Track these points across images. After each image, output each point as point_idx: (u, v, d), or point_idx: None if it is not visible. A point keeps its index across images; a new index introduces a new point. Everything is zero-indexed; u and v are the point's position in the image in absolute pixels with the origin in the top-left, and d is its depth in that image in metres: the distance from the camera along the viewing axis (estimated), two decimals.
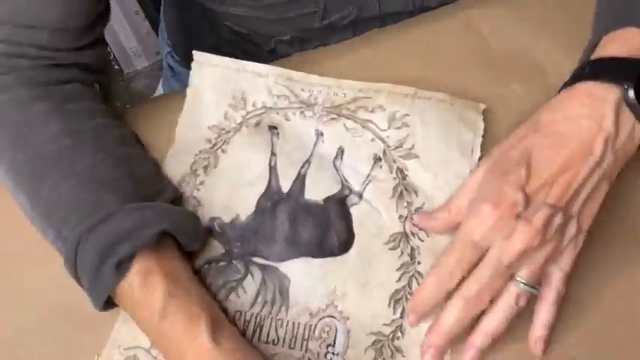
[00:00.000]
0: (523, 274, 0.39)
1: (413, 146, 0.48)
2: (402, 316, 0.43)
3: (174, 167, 0.48)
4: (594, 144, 0.40)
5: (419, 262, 0.45)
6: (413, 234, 0.45)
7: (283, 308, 0.44)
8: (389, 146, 0.48)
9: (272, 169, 0.48)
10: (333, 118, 0.49)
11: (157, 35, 0.90)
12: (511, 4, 0.55)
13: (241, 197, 0.47)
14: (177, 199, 0.46)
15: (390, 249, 0.45)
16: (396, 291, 0.44)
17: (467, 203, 0.42)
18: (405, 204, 0.46)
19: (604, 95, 0.40)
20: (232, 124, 0.50)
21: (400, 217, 0.46)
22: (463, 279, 0.40)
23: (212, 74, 0.51)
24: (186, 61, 0.75)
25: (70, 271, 0.41)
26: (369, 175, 0.48)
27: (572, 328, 0.43)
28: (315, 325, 0.43)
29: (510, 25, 0.51)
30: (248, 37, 0.53)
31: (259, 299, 0.44)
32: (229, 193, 0.47)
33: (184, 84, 0.76)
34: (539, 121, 0.42)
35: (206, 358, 0.38)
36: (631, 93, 0.40)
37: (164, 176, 0.47)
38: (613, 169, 0.41)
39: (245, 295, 0.44)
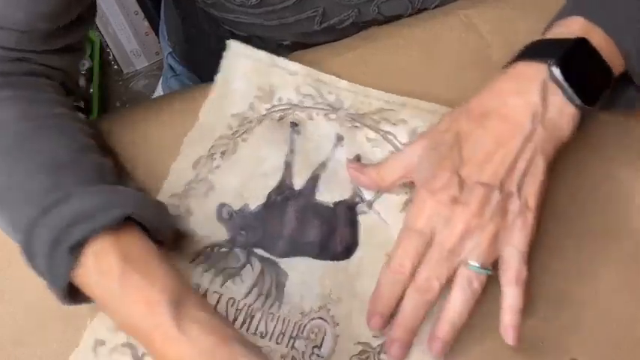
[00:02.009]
0: (472, 257, 0.39)
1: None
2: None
3: (193, 147, 0.48)
4: (521, 119, 0.40)
5: None
6: None
7: (277, 303, 0.44)
8: None
9: (288, 165, 0.48)
10: (355, 126, 0.50)
11: (157, 35, 0.90)
12: (511, 4, 0.55)
13: (253, 187, 0.47)
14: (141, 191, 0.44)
15: None
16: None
17: (398, 176, 0.44)
18: None
19: (532, 73, 0.41)
20: (256, 115, 0.50)
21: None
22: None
23: (244, 64, 0.52)
24: (187, 62, 0.75)
25: (26, 258, 0.38)
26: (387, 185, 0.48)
27: (572, 328, 0.43)
28: (305, 325, 0.43)
29: (510, 25, 0.51)
30: (249, 41, 0.53)
31: (254, 290, 0.44)
32: (242, 181, 0.47)
33: (184, 84, 0.77)
34: (469, 102, 0.43)
35: (169, 344, 0.36)
36: (556, 70, 0.40)
37: (127, 173, 0.46)
38: (547, 144, 0.41)
39: (241, 284, 0.44)
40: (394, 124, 0.50)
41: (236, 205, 0.47)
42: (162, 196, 0.47)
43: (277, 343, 0.43)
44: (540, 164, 0.41)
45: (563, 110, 0.41)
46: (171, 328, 0.35)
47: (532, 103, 0.40)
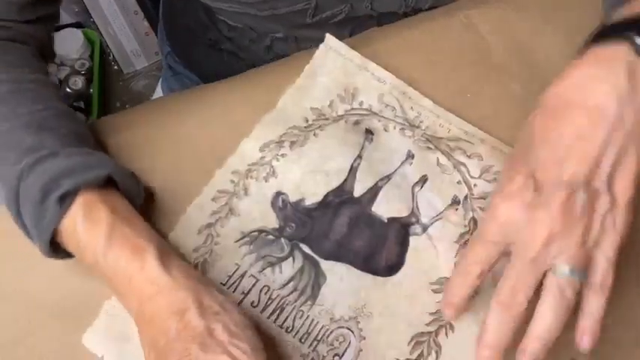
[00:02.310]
0: (561, 262, 0.35)
1: None
2: (417, 359, 0.42)
3: (264, 131, 0.49)
4: (606, 105, 0.35)
5: None
6: None
7: (309, 302, 0.44)
8: (473, 194, 0.47)
9: (352, 170, 0.48)
10: (429, 147, 0.49)
11: (157, 35, 0.89)
12: (511, 4, 0.54)
13: (314, 183, 0.47)
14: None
15: (434, 291, 0.44)
16: (421, 333, 0.43)
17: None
18: None
19: (613, 55, 0.36)
20: (333, 114, 0.50)
21: (456, 264, 0.45)
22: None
23: (334, 61, 0.52)
24: (186, 61, 0.75)
25: (11, 211, 0.40)
26: (442, 212, 0.46)
27: (572, 327, 0.41)
28: (332, 331, 0.43)
29: (510, 25, 0.50)
30: (245, 33, 0.53)
31: (291, 284, 0.44)
32: (304, 175, 0.47)
33: (183, 84, 0.77)
34: (541, 98, 0.38)
35: (155, 286, 0.37)
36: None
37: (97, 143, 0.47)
38: (638, 130, 0.35)
39: (279, 275, 0.44)
40: (469, 156, 0.48)
41: (292, 197, 0.47)
42: (225, 171, 0.47)
43: (301, 341, 0.43)
44: (633, 152, 0.35)
45: None
46: (155, 268, 0.38)
47: (617, 86, 0.35)
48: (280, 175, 0.47)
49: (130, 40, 1.25)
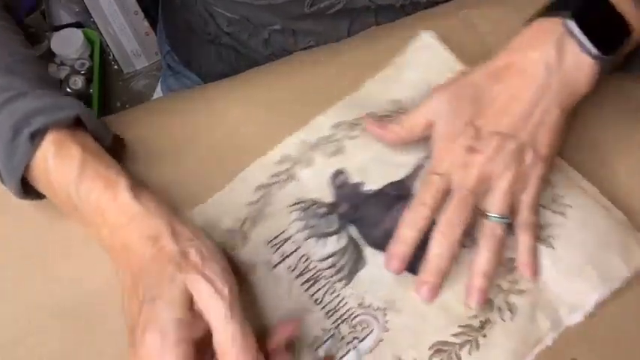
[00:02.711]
0: (491, 207, 0.42)
1: (554, 236, 0.45)
2: None
3: (342, 110, 0.49)
4: (536, 72, 0.42)
5: (484, 336, 0.42)
6: (499, 309, 0.43)
7: (344, 282, 0.44)
8: None
9: (417, 168, 0.47)
10: None
11: (157, 35, 0.88)
12: (511, 4, 0.54)
13: (377, 171, 0.47)
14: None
15: (468, 305, 0.43)
16: (445, 342, 0.42)
17: (420, 127, 0.45)
18: (510, 279, 0.44)
19: (548, 27, 0.43)
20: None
21: (498, 286, 0.44)
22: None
23: (427, 58, 0.52)
24: (185, 59, 0.75)
25: None
26: None
27: (572, 328, 0.43)
28: (358, 315, 0.43)
29: (510, 25, 0.50)
30: (243, 26, 0.52)
31: (330, 260, 0.45)
32: (371, 160, 0.48)
33: (183, 83, 0.76)
34: (488, 60, 0.44)
35: (128, 214, 0.39)
36: (570, 22, 0.42)
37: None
38: (562, 95, 0.42)
39: (322, 248, 0.45)
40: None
41: (353, 179, 0.47)
42: (294, 138, 0.48)
43: (326, 315, 0.43)
44: (555, 115, 0.42)
45: (579, 62, 0.42)
46: (127, 198, 0.39)
47: (547, 56, 0.42)
48: (346, 155, 0.48)
49: (130, 40, 1.24)
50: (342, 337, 0.43)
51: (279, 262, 0.45)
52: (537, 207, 0.43)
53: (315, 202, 0.46)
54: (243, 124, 0.49)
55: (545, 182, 0.47)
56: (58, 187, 0.40)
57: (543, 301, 0.43)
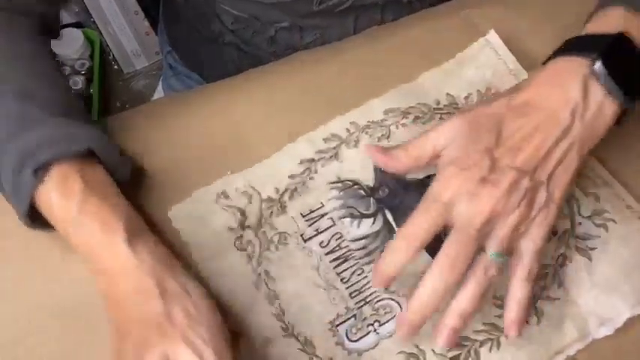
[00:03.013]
0: (491, 243, 0.39)
1: (595, 248, 0.44)
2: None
3: (395, 97, 0.50)
4: (561, 113, 0.40)
5: (507, 336, 0.42)
6: None
7: (372, 265, 0.44)
8: (573, 232, 0.45)
9: None
10: None
11: (157, 35, 0.86)
12: (511, 4, 0.54)
13: None
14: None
15: (495, 305, 0.43)
16: (467, 338, 0.42)
17: (428, 155, 0.42)
18: (541, 285, 0.43)
19: (573, 68, 0.41)
20: (466, 107, 0.50)
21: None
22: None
23: (488, 58, 0.51)
24: (186, 58, 0.74)
25: None
26: None
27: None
28: (382, 299, 0.43)
29: (510, 25, 0.49)
30: (249, 24, 0.51)
31: (362, 241, 0.45)
32: None
33: (184, 83, 0.75)
34: (511, 94, 0.43)
35: (121, 265, 0.38)
36: (598, 64, 0.41)
37: (88, 112, 0.47)
38: (583, 140, 0.41)
39: (356, 229, 0.46)
40: (585, 194, 0.46)
41: None
42: (345, 119, 0.49)
43: (350, 295, 0.44)
44: (574, 159, 0.41)
45: (603, 106, 0.41)
46: (122, 247, 0.38)
47: (573, 99, 0.41)
48: (393, 142, 0.48)
49: (130, 40, 1.24)
50: (364, 318, 0.43)
51: (313, 237, 0.45)
52: (542, 256, 0.40)
53: (355, 183, 0.47)
54: (245, 124, 0.49)
55: (591, 196, 0.46)
56: (59, 223, 0.39)
57: (573, 311, 0.42)
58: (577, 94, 0.41)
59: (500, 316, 0.42)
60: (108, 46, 1.26)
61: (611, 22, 0.43)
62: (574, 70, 0.41)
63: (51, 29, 0.50)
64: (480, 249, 0.39)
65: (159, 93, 0.89)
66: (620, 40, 0.41)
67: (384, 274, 0.40)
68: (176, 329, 0.36)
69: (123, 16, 1.20)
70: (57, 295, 0.43)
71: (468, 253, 0.38)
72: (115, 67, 1.31)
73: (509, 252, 0.40)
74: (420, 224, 0.39)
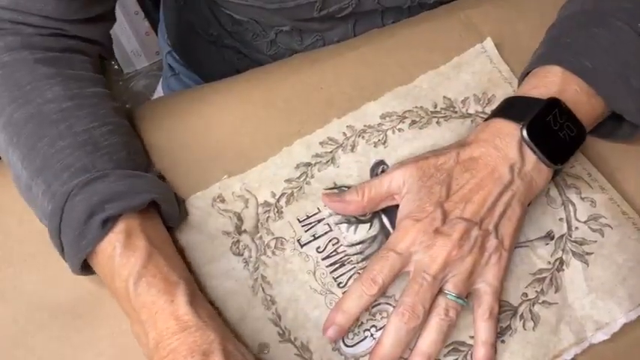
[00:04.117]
0: (449, 287, 0.41)
1: (592, 253, 0.44)
2: None
3: (392, 101, 0.50)
4: (502, 170, 0.43)
5: (502, 342, 0.42)
6: (522, 317, 0.42)
7: None
8: (570, 237, 0.45)
9: None
10: None
11: (157, 35, 0.86)
12: (511, 4, 0.54)
13: None
14: (161, 177, 0.47)
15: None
16: (462, 343, 0.42)
17: (381, 198, 0.45)
18: (538, 289, 0.43)
19: (509, 130, 0.44)
20: (464, 110, 0.50)
21: (524, 294, 0.43)
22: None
23: (483, 65, 0.51)
24: (186, 59, 0.74)
25: (51, 225, 0.40)
26: (530, 241, 0.45)
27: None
28: (379, 304, 0.43)
29: (510, 25, 0.50)
30: (249, 27, 0.51)
31: (359, 246, 0.45)
32: (412, 156, 0.47)
33: (184, 83, 0.75)
34: (459, 147, 0.45)
35: (181, 323, 0.38)
36: (525, 134, 0.43)
37: (149, 156, 0.48)
38: (524, 194, 0.44)
39: (352, 235, 0.45)
40: (582, 198, 0.46)
41: None
42: (342, 122, 0.49)
43: None
44: (517, 210, 0.43)
45: (539, 166, 0.44)
46: (184, 305, 0.38)
47: (510, 158, 0.43)
48: (390, 147, 0.48)
49: (130, 40, 1.24)
50: (361, 323, 0.43)
51: (309, 242, 0.45)
52: (500, 295, 0.42)
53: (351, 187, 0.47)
54: (243, 124, 0.49)
55: (588, 201, 0.46)
56: (117, 277, 0.39)
57: (570, 316, 0.42)
58: (514, 154, 0.43)
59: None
60: (112, 49, 1.25)
61: (547, 80, 0.45)
62: (510, 132, 0.44)
63: (107, 57, 0.51)
64: (440, 293, 0.41)
65: (159, 93, 0.89)
66: (551, 105, 0.44)
67: (339, 321, 0.41)
68: None
69: (123, 16, 1.20)
70: (57, 295, 0.43)
71: (427, 298, 0.41)
72: (115, 67, 1.31)
73: (466, 294, 0.42)
74: (379, 270, 0.42)
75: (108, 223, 0.39)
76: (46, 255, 0.44)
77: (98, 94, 0.46)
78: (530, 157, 0.44)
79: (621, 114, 0.45)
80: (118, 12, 1.20)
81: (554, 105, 0.44)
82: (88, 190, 0.40)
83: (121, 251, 0.39)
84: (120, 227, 0.40)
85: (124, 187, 0.41)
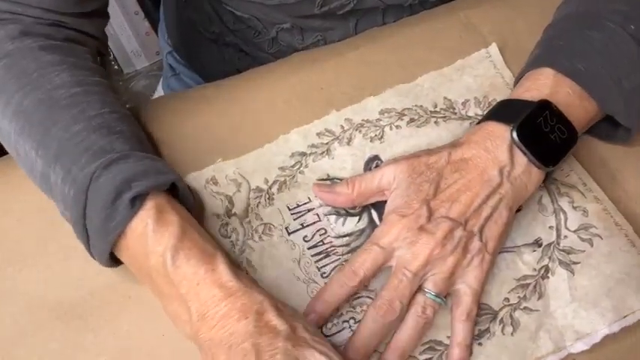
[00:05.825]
0: (429, 285, 0.41)
1: (579, 263, 0.44)
2: None
3: (392, 98, 0.50)
4: (491, 173, 0.43)
5: (479, 344, 0.42)
6: (502, 322, 0.42)
7: None
8: (558, 245, 0.45)
9: None
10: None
11: (157, 35, 0.85)
12: (511, 4, 0.54)
13: None
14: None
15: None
16: (439, 342, 0.42)
17: (375, 188, 0.44)
18: (521, 295, 0.43)
19: (500, 133, 0.44)
20: (463, 112, 0.50)
21: (506, 299, 0.43)
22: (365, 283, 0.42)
23: (487, 70, 0.52)
24: (187, 58, 0.74)
25: (75, 212, 0.40)
26: (517, 247, 0.45)
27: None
28: (360, 297, 0.43)
29: (510, 25, 0.49)
30: (251, 24, 0.51)
31: (346, 239, 0.45)
32: (406, 153, 0.48)
33: (184, 83, 0.75)
34: (452, 148, 0.45)
35: (226, 289, 0.38)
36: (515, 136, 0.43)
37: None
38: (512, 197, 0.43)
39: (340, 227, 0.46)
40: (574, 207, 0.46)
41: None
42: (339, 115, 0.49)
43: None
44: (504, 213, 0.43)
45: (529, 169, 0.44)
46: (226, 272, 0.38)
47: (500, 161, 0.43)
48: (386, 143, 0.48)
49: (130, 40, 1.23)
50: (340, 314, 0.43)
51: (297, 230, 0.45)
52: (479, 297, 0.42)
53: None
54: (244, 123, 0.49)
55: (580, 210, 0.46)
56: (152, 254, 0.39)
57: (550, 324, 0.42)
58: (504, 156, 0.43)
59: (475, 324, 0.42)
60: (108, 46, 1.27)
61: (539, 83, 0.45)
62: (501, 135, 0.44)
63: (103, 52, 0.51)
64: (420, 290, 0.41)
65: (159, 93, 0.89)
66: (542, 107, 0.44)
67: (316, 309, 0.41)
68: (304, 341, 0.37)
69: (123, 16, 1.20)
70: (57, 295, 0.44)
71: (405, 294, 0.41)
72: (115, 67, 1.31)
73: (446, 294, 0.42)
74: (361, 262, 0.42)
75: (136, 202, 0.39)
76: (46, 255, 0.44)
77: (102, 83, 0.46)
78: (521, 160, 0.43)
79: (613, 116, 0.45)
80: (118, 12, 1.22)
81: (544, 107, 0.44)
82: (112, 171, 0.39)
83: (153, 227, 0.39)
84: (150, 204, 0.39)
85: (148, 167, 0.40)
